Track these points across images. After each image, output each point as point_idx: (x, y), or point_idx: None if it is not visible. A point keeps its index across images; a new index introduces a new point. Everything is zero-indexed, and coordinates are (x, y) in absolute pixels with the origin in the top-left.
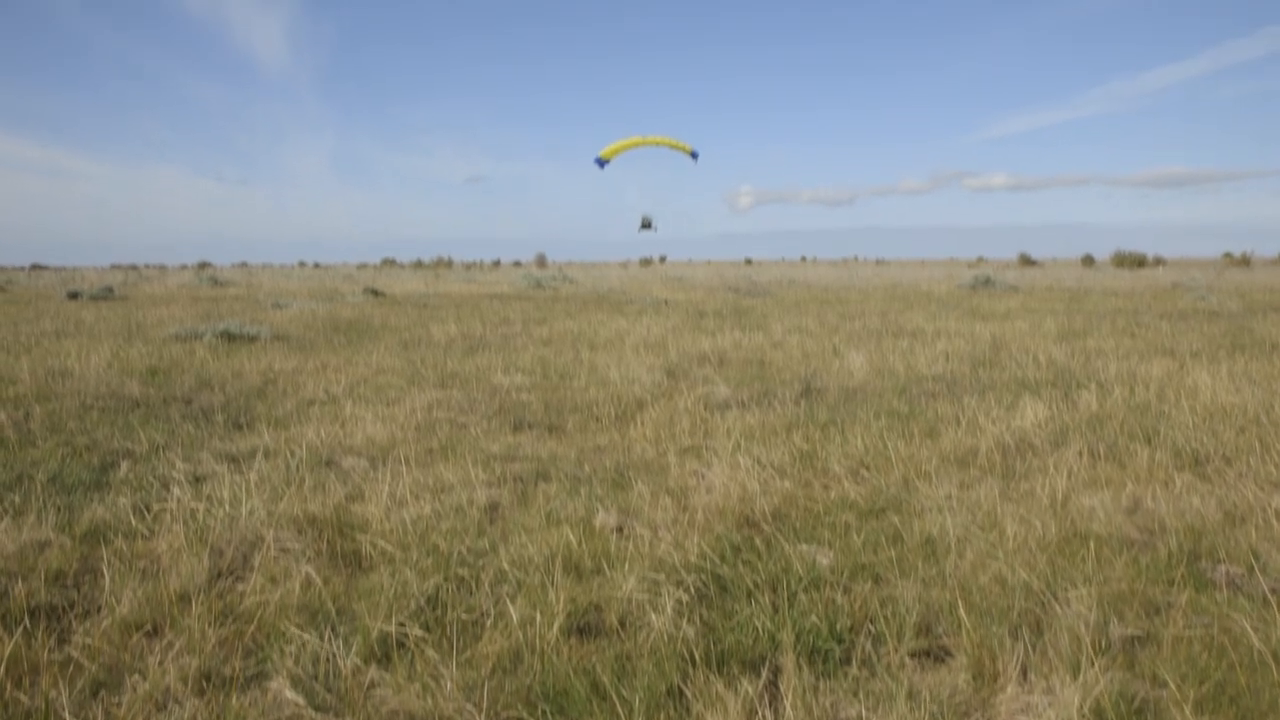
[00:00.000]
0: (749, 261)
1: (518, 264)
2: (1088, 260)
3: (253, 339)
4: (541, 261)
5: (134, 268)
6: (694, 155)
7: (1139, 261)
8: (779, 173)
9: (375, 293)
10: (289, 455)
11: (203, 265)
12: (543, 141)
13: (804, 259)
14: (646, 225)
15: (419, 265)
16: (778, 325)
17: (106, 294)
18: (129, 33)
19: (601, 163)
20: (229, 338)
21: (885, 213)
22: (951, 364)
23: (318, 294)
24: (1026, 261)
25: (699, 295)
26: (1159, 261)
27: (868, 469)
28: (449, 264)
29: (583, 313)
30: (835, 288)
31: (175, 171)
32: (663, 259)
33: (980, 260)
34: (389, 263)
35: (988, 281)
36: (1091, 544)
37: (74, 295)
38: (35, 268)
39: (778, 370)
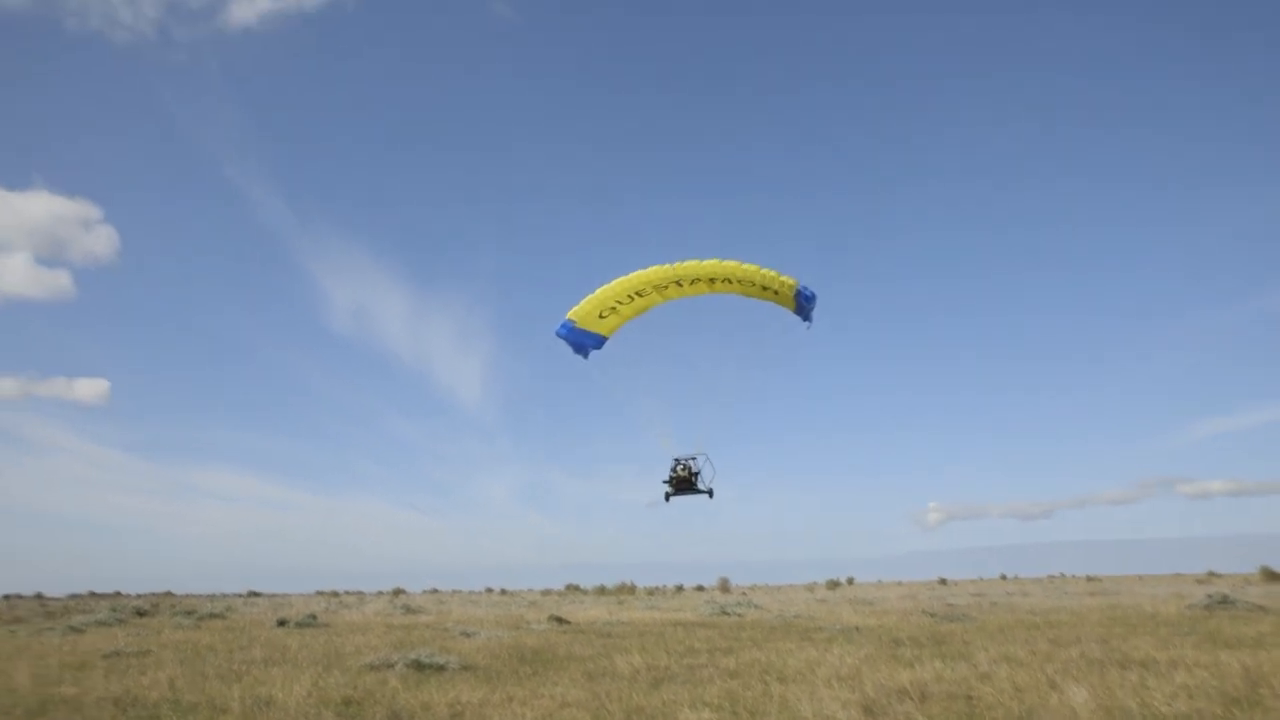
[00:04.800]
0: (943, 581)
1: (700, 588)
2: None
3: (441, 668)
4: (725, 586)
5: (335, 594)
6: (802, 310)
7: None
8: (967, 488)
9: (559, 620)
10: None
11: (397, 591)
12: (724, 465)
13: (1003, 577)
14: (685, 482)
15: (602, 591)
16: (982, 654)
17: (310, 621)
18: (351, 382)
19: (580, 337)
20: (419, 667)
21: (1087, 525)
22: (1197, 701)
23: (503, 622)
24: (1271, 575)
25: (892, 620)
26: None
27: None
28: (632, 589)
29: (769, 640)
30: (1042, 609)
31: (377, 503)
32: (850, 580)
33: (1211, 575)
34: (572, 588)
35: (1225, 600)
36: None
37: (282, 623)
38: (251, 594)
39: (988, 707)
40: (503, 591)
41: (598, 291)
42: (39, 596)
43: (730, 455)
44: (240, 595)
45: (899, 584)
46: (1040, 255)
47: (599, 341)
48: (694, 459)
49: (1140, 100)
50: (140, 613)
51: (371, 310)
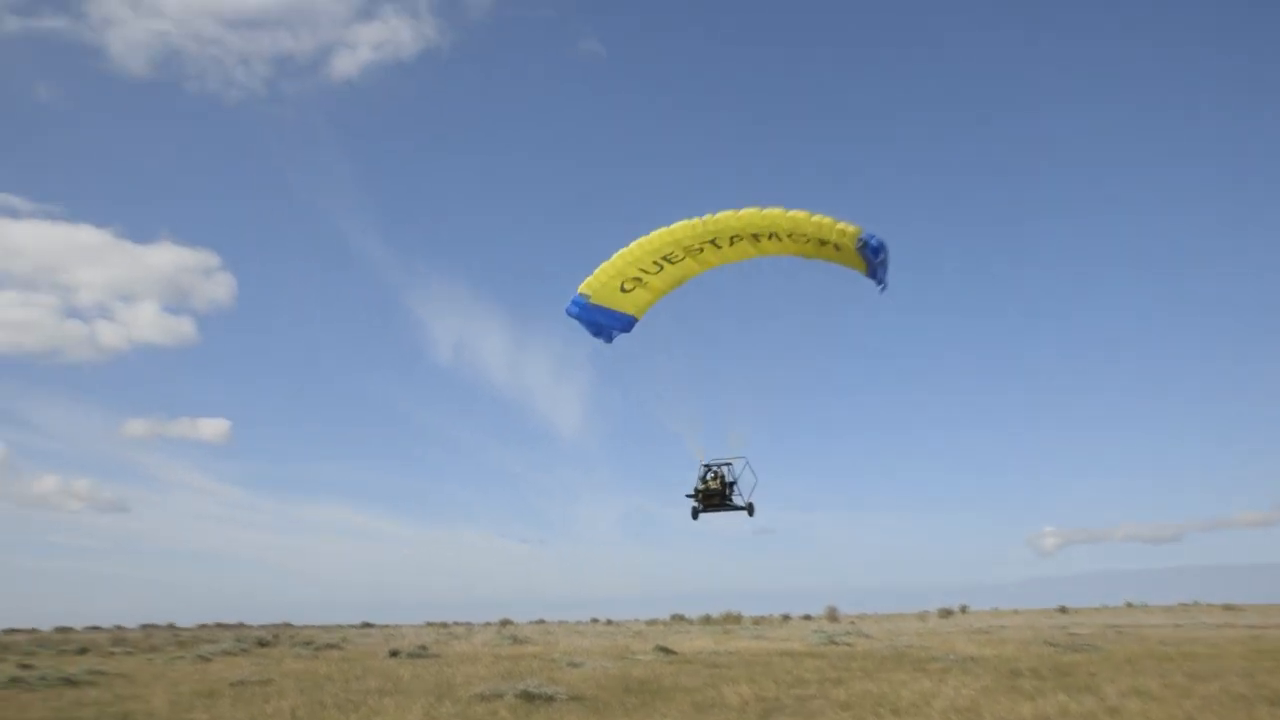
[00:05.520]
0: (1064, 609)
1: (808, 617)
2: None
3: (550, 699)
4: (833, 615)
5: (444, 625)
6: (871, 267)
7: None
8: (1086, 510)
9: (665, 650)
10: None
11: (504, 622)
12: (831, 489)
13: (1129, 604)
14: (716, 495)
15: (707, 620)
16: (1110, 686)
17: (421, 652)
18: (454, 414)
19: (597, 316)
20: (529, 697)
21: (1223, 549)
22: None
23: (609, 652)
24: None
25: (1010, 650)
26: None
27: None
28: (737, 619)
29: (881, 671)
30: (1175, 639)
31: (482, 534)
32: (963, 608)
33: None
34: (677, 618)
35: None
36: None
37: (394, 653)
38: (365, 625)
39: None
40: (608, 622)
41: (615, 257)
42: (171, 626)
43: (825, 475)
44: (354, 626)
45: (1015, 612)
46: (1185, 251)
47: (626, 323)
48: (728, 465)
49: None
50: (262, 643)
51: (472, 343)
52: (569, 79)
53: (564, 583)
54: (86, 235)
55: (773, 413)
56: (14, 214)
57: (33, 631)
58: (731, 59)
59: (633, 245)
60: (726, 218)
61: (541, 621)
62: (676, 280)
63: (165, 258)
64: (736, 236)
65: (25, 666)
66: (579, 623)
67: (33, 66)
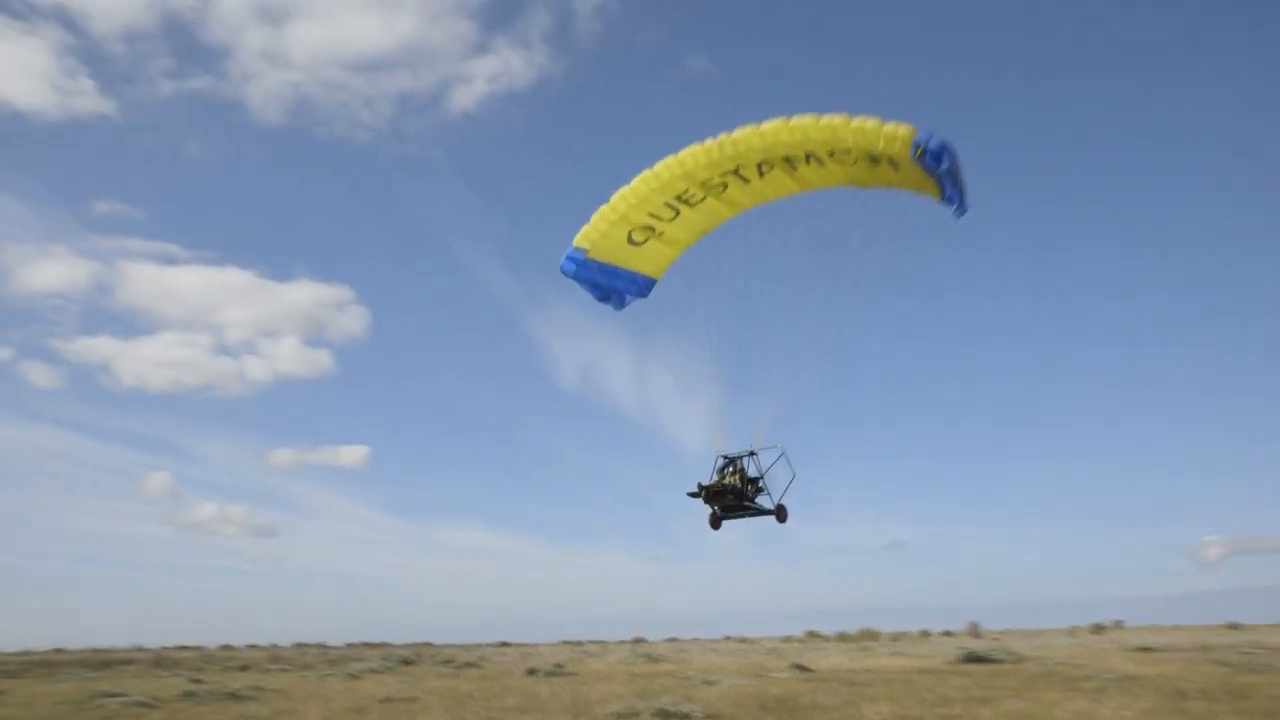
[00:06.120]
0: (1234, 625)
1: (948, 633)
2: None
3: (686, 717)
4: (975, 630)
5: (578, 643)
6: (938, 181)
7: None
8: (1252, 516)
9: (801, 667)
10: None
11: (637, 640)
12: (967, 498)
13: None
14: (728, 495)
15: (843, 637)
16: None
17: (557, 670)
18: (582, 436)
19: (599, 277)
20: (665, 715)
21: None
22: None
23: (744, 669)
24: None
25: (1174, 669)
26: None
27: None
28: (874, 635)
29: (1031, 690)
30: None
31: (613, 553)
32: (1118, 623)
33: None
34: (812, 635)
35: None
36: None
37: (531, 671)
38: (501, 644)
39: None
40: (741, 639)
41: (614, 198)
42: (321, 645)
43: (960, 484)
44: (491, 645)
45: (1176, 628)
46: None
47: (641, 285)
48: (752, 456)
49: None
50: (405, 661)
51: (598, 366)
52: (682, 98)
53: (694, 600)
54: (233, 277)
55: (871, 405)
56: (173, 261)
57: (198, 649)
58: (849, 69)
59: (635, 182)
60: (747, 136)
61: (674, 639)
62: (701, 229)
63: (303, 294)
64: (766, 164)
65: (196, 681)
66: (711, 640)
67: (184, 124)
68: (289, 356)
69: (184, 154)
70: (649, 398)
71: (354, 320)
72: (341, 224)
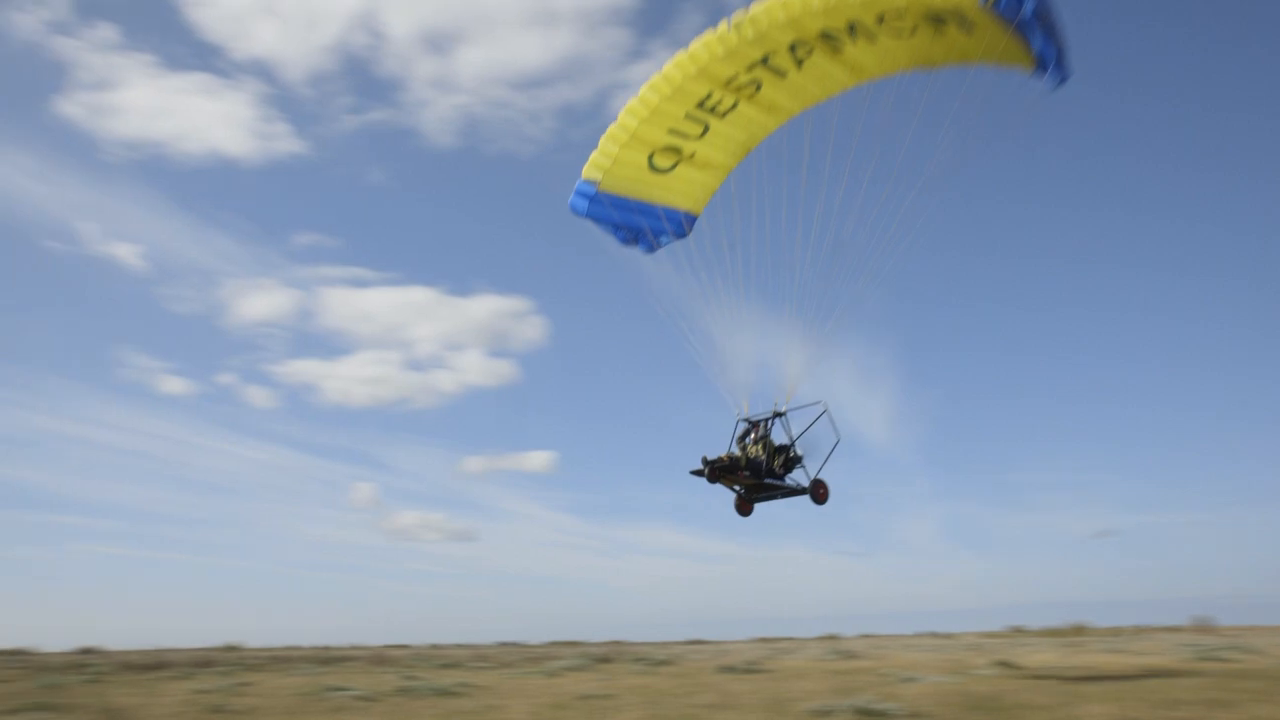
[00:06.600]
0: None
1: (1174, 629)
2: None
3: (887, 715)
4: (1204, 625)
5: (770, 640)
6: (1027, 42)
7: None
8: None
9: (1006, 664)
10: None
11: (831, 636)
12: (1190, 485)
13: None
14: (743, 468)
15: (1051, 632)
16: None
17: (751, 667)
18: None
19: (613, 214)
20: (865, 714)
21: None
22: None
23: (945, 666)
24: None
25: None
26: None
27: None
28: (1085, 630)
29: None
30: None
31: (802, 549)
32: None
33: None
34: (1016, 630)
35: None
36: None
37: (726, 669)
38: (694, 641)
39: None
40: (938, 634)
41: (621, 115)
42: (519, 644)
43: (1184, 465)
44: (683, 643)
45: None
46: None
47: (676, 223)
48: (778, 419)
49: None
50: (601, 659)
51: (770, 360)
52: None
53: (888, 595)
54: (419, 295)
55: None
56: (364, 284)
57: (409, 647)
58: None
59: (643, 90)
60: (769, 7)
61: (868, 635)
62: (740, 145)
63: (484, 307)
64: (800, 44)
65: (409, 678)
66: (907, 636)
67: (366, 155)
68: (474, 368)
69: (367, 182)
70: (825, 389)
71: (533, 329)
72: (514, 236)
